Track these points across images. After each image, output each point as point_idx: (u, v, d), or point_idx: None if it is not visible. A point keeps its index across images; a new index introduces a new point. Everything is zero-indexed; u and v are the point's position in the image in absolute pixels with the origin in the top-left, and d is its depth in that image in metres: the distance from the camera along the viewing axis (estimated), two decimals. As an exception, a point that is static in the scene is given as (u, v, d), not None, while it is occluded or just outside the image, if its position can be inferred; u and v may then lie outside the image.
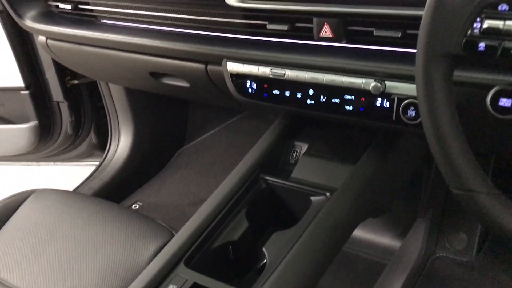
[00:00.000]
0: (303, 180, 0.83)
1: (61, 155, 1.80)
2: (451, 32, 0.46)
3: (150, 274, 0.66)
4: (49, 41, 1.21)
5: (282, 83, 0.83)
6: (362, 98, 0.76)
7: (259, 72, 0.85)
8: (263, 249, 0.71)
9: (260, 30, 0.86)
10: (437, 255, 1.19)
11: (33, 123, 1.56)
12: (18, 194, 1.07)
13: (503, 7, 0.45)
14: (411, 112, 0.71)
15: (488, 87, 0.52)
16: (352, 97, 0.77)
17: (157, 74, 1.09)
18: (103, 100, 1.57)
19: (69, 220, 0.98)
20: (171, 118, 1.65)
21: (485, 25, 0.45)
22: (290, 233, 0.71)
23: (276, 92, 0.85)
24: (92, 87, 1.61)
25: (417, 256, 1.13)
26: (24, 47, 1.44)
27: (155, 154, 1.63)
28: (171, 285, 0.64)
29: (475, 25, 0.46)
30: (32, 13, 1.18)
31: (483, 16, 0.45)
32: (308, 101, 0.82)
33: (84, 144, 1.76)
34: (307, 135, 0.92)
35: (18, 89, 1.51)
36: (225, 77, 0.91)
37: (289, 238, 0.70)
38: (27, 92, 1.51)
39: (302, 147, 0.91)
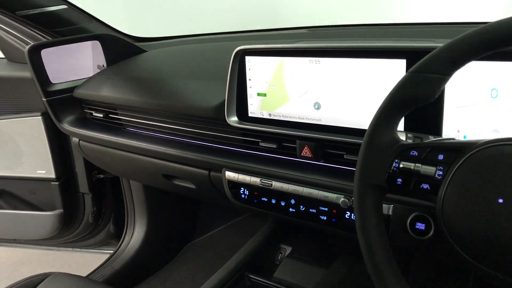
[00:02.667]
0: (282, 280, 0.93)
1: (80, 242, 1.93)
2: (377, 169, 0.60)
3: None
4: (81, 142, 1.40)
5: (270, 192, 0.97)
6: (334, 211, 0.89)
7: (251, 181, 0.99)
8: None
9: (254, 146, 1.02)
10: None
11: (59, 211, 1.72)
12: (35, 276, 1.18)
13: (414, 152, 0.59)
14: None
15: (409, 212, 0.65)
16: (326, 209, 0.90)
17: (168, 176, 1.24)
18: (123, 194, 1.73)
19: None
20: (183, 214, 1.78)
21: (401, 165, 0.59)
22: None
23: (264, 199, 0.98)
24: (115, 182, 1.78)
25: None
26: (59, 144, 1.63)
27: (165, 247, 1.74)
28: None
29: (394, 164, 0.59)
30: (69, 118, 1.38)
31: (399, 158, 0.59)
32: (290, 209, 0.95)
33: (102, 233, 1.90)
34: (292, 239, 1.04)
35: (49, 180, 1.68)
36: (223, 183, 1.06)
37: None
38: (57, 183, 1.68)
39: (287, 250, 1.02)
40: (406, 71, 0.78)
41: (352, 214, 0.86)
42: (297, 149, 0.94)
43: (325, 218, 0.90)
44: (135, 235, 1.70)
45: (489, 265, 0.54)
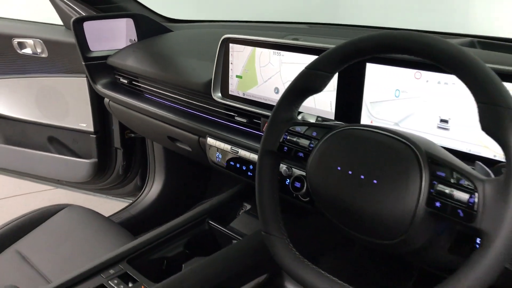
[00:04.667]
0: (234, 228, 1.14)
1: (112, 190, 2.24)
2: (273, 138, 0.79)
3: (101, 261, 1.00)
4: (111, 103, 1.67)
5: (236, 158, 1.17)
6: (278, 177, 1.07)
7: (224, 147, 1.20)
8: (183, 265, 1.02)
9: (231, 119, 1.22)
10: None
11: (94, 160, 2.02)
12: (56, 205, 1.47)
13: (297, 128, 0.77)
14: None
15: (293, 173, 0.82)
16: (273, 176, 1.09)
17: (172, 138, 1.48)
18: (147, 152, 2.00)
19: (83, 232, 1.35)
20: (196, 176, 2.02)
21: (288, 137, 0.77)
22: (205, 259, 1.02)
23: (232, 163, 1.19)
24: (144, 141, 2.05)
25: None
26: (99, 104, 1.91)
27: (177, 202, 1.99)
28: (111, 270, 0.97)
29: (285, 136, 0.78)
30: (103, 81, 1.65)
31: (288, 132, 0.78)
32: (249, 173, 1.14)
33: (130, 185, 2.19)
34: (255, 199, 1.23)
35: (88, 133, 1.98)
36: (206, 148, 1.27)
37: (202, 261, 1.01)
38: (94, 136, 1.98)
39: (247, 207, 1.22)
40: (339, 69, 0.96)
41: (288, 180, 1.04)
42: (261, 125, 1.14)
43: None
44: (152, 189, 1.97)
45: (336, 218, 0.72)
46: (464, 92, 0.72)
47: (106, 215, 1.90)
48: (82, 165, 2.04)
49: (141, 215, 1.90)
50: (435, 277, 0.90)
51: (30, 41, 1.96)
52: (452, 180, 0.60)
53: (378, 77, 0.90)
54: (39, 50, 1.96)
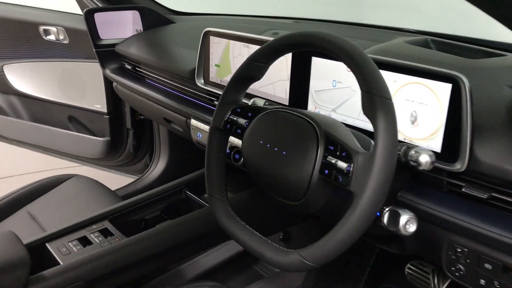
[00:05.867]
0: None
1: (124, 167, 2.44)
2: (220, 117, 0.94)
3: (88, 217, 1.19)
4: (118, 86, 1.85)
5: (212, 137, 1.33)
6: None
7: (203, 128, 1.36)
8: (156, 225, 1.19)
9: (211, 102, 1.38)
10: None
11: (107, 138, 2.22)
12: (65, 174, 1.67)
13: (238, 110, 0.92)
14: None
15: (232, 148, 0.98)
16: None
17: (167, 120, 1.65)
18: (154, 133, 2.18)
19: (84, 198, 1.54)
20: (197, 158, 2.19)
21: (230, 117, 0.92)
22: (175, 219, 1.19)
23: (209, 142, 1.35)
24: (152, 123, 2.23)
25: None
26: (112, 87, 2.10)
27: (178, 180, 2.17)
28: (94, 226, 1.16)
29: (229, 116, 0.93)
30: (111, 66, 1.83)
31: (231, 112, 0.93)
32: (222, 151, 1.30)
33: (141, 163, 2.38)
34: (231, 174, 1.39)
35: (102, 113, 2.18)
36: (191, 128, 1.44)
37: (172, 221, 1.18)
38: (107, 117, 2.18)
39: (223, 182, 1.38)
40: (292, 62, 1.10)
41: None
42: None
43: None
44: (157, 167, 2.15)
45: (260, 183, 0.87)
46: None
47: (115, 188, 2.11)
48: (96, 143, 2.25)
49: (145, 190, 2.07)
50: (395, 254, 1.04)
51: (53, 29, 2.16)
52: (338, 153, 0.74)
53: (320, 69, 1.03)
54: (61, 37, 2.17)
